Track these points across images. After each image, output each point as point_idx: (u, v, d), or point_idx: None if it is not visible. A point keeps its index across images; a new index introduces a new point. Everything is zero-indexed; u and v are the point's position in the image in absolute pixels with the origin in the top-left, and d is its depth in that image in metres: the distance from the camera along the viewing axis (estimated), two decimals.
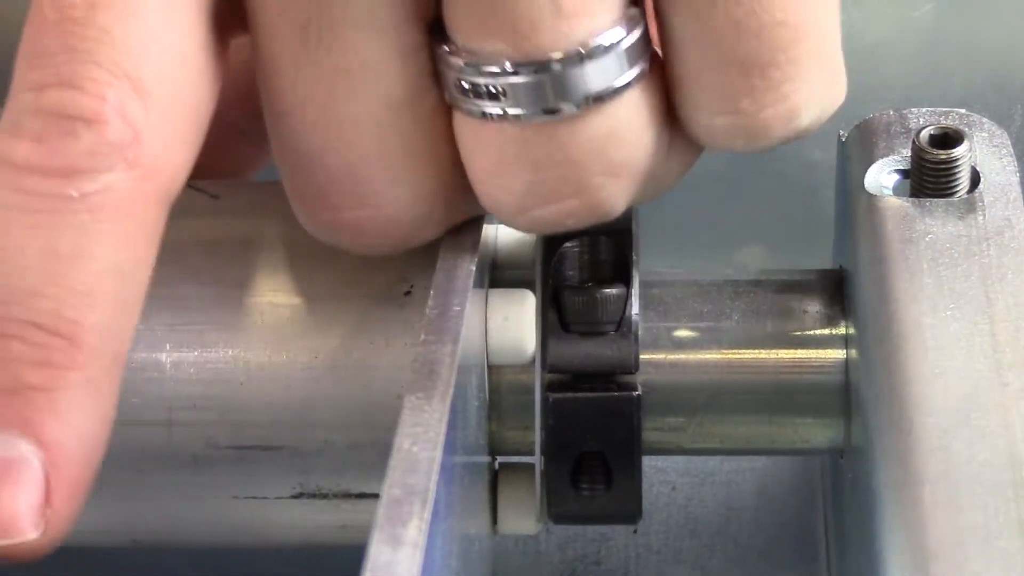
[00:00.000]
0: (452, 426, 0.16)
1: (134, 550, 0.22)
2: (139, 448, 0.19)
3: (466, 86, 0.17)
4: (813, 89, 0.18)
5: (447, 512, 0.17)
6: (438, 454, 0.15)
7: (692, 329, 0.21)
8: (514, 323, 0.20)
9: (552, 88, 0.17)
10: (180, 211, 0.18)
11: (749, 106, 0.18)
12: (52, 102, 0.17)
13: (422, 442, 0.16)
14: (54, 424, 0.17)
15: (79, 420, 0.17)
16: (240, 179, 0.23)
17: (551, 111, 0.17)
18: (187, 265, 0.19)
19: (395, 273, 0.20)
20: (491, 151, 0.18)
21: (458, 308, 0.18)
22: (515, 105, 0.17)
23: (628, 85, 0.17)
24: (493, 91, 0.17)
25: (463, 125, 0.18)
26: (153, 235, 0.17)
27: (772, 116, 0.18)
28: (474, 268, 0.19)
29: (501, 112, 0.17)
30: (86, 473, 0.17)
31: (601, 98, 0.17)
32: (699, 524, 0.24)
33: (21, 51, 0.17)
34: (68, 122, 0.17)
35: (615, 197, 0.18)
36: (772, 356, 0.21)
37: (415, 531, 0.14)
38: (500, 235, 0.21)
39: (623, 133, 0.18)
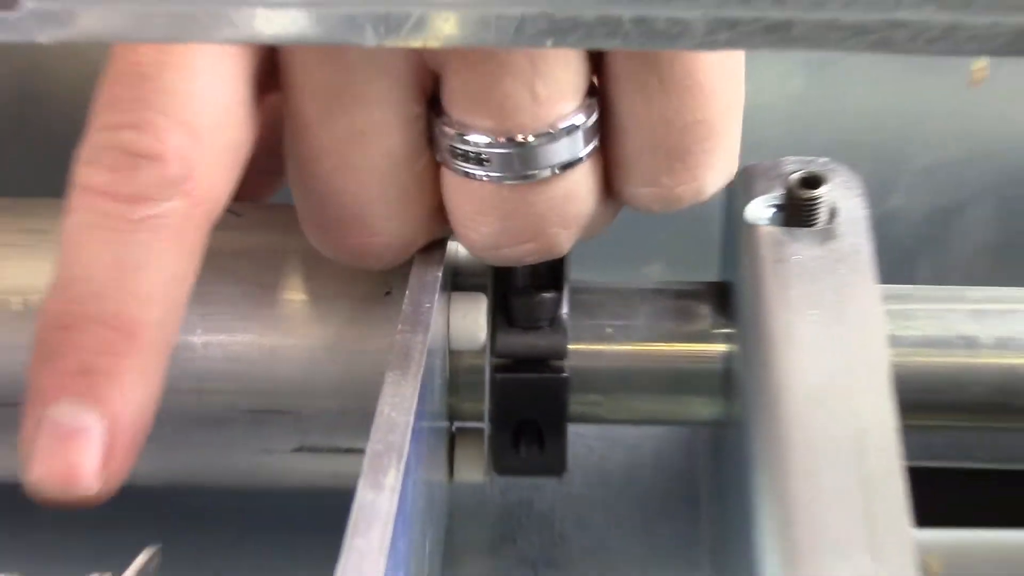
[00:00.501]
0: (422, 398, 0.20)
1: (170, 491, 0.27)
2: (176, 411, 0.23)
3: (456, 150, 0.21)
4: (717, 171, 0.23)
5: (416, 464, 0.20)
6: (411, 419, 0.19)
7: (609, 326, 0.25)
8: (471, 318, 0.24)
9: (526, 158, 0.21)
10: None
11: (668, 182, 0.22)
12: (125, 141, 0.20)
13: (399, 409, 0.19)
14: (114, 399, 0.20)
15: (134, 396, 0.20)
16: (258, 202, 0.27)
17: (524, 176, 0.21)
18: (217, 268, 0.22)
19: (379, 279, 0.24)
20: (472, 202, 0.22)
21: (428, 306, 0.22)
22: (495, 169, 0.21)
23: (582, 159, 0.21)
24: (478, 157, 0.21)
25: (451, 180, 0.22)
26: (199, 250, 0.20)
27: (684, 190, 0.22)
28: (440, 275, 0.23)
29: (484, 174, 0.21)
30: (138, 439, 0.20)
31: (563, 167, 0.21)
32: (610, 477, 0.29)
33: (99, 97, 0.21)
34: (137, 159, 0.20)
35: (565, 241, 0.22)
36: (670, 348, 0.25)
37: (393, 479, 0.18)
38: (460, 250, 0.24)
39: (576, 194, 0.22)
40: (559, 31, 0.13)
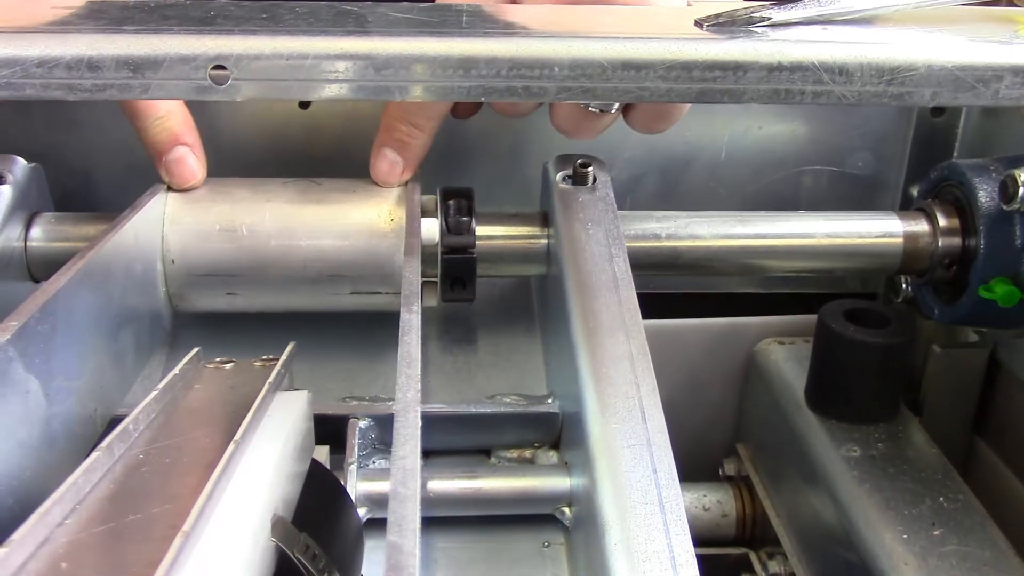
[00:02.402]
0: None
1: (290, 315, 0.52)
2: (293, 275, 0.50)
3: None
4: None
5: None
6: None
7: (488, 234, 0.53)
8: (431, 232, 0.51)
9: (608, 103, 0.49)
10: None
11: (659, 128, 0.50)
12: None
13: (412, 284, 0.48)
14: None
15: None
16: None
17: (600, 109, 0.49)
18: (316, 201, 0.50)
19: (385, 210, 0.51)
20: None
21: (416, 225, 0.49)
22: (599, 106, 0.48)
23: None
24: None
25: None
26: None
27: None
28: (419, 210, 0.50)
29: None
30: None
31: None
32: (494, 301, 0.57)
33: None
34: None
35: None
36: (519, 242, 0.54)
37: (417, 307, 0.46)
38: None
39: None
40: (487, 93, 0.39)
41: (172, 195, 0.50)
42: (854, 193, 0.63)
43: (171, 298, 0.50)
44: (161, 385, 0.34)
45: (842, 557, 0.51)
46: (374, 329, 0.55)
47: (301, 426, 0.35)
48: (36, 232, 0.51)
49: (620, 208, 0.50)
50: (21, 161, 0.51)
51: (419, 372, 0.31)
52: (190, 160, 0.51)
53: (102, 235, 0.42)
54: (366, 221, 0.50)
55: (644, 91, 0.35)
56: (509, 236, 0.53)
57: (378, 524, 0.42)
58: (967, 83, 0.36)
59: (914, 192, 0.62)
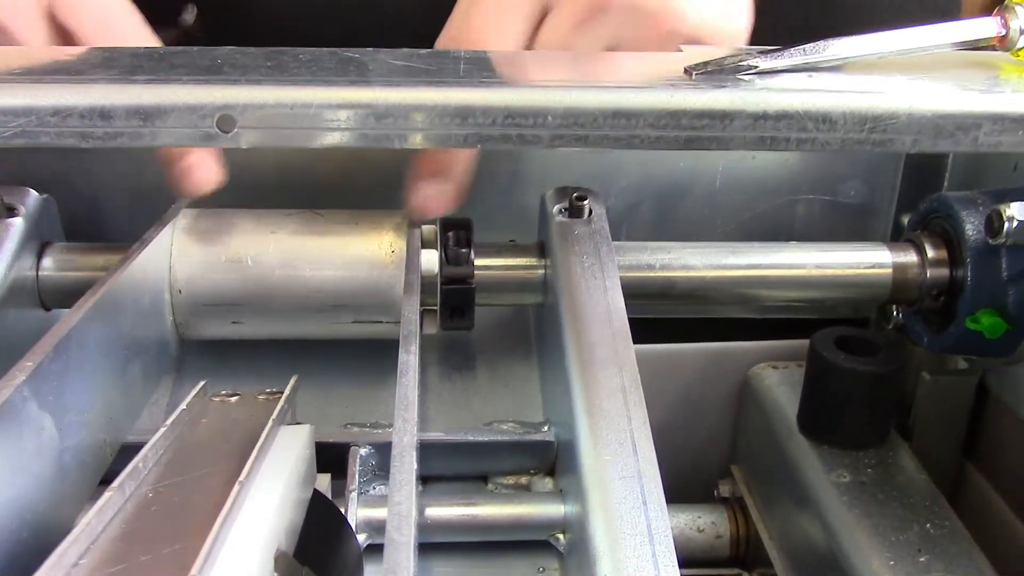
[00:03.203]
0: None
1: (292, 343, 0.54)
2: (299, 306, 0.51)
3: None
4: None
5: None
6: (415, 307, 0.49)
7: (487, 266, 0.54)
8: (431, 263, 0.53)
9: None
10: None
11: None
12: None
13: (411, 309, 0.49)
14: None
15: None
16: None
17: None
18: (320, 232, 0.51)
19: (386, 242, 0.52)
20: None
21: (416, 259, 0.50)
22: None
23: None
24: None
25: None
26: None
27: None
28: (419, 242, 0.52)
29: None
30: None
31: None
32: (491, 328, 0.59)
33: None
34: None
35: None
36: (516, 272, 0.55)
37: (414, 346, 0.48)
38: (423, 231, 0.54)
39: None
40: (483, 140, 0.41)
41: (179, 227, 0.51)
42: (846, 221, 0.64)
43: (178, 327, 0.52)
44: (169, 421, 0.35)
45: None
46: (374, 356, 0.56)
47: (304, 459, 0.36)
48: (47, 262, 0.52)
49: (616, 236, 0.52)
50: (33, 193, 0.53)
51: (416, 416, 0.32)
52: (204, 166, 0.49)
53: (113, 269, 0.43)
54: (367, 252, 0.52)
55: (634, 138, 0.37)
56: (507, 267, 0.54)
57: (378, 549, 0.44)
58: (947, 130, 0.37)
59: (905, 220, 0.64)
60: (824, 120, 0.37)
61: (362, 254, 0.52)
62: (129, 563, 0.26)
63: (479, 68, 0.39)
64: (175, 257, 0.51)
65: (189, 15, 0.57)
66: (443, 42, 0.49)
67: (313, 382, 0.49)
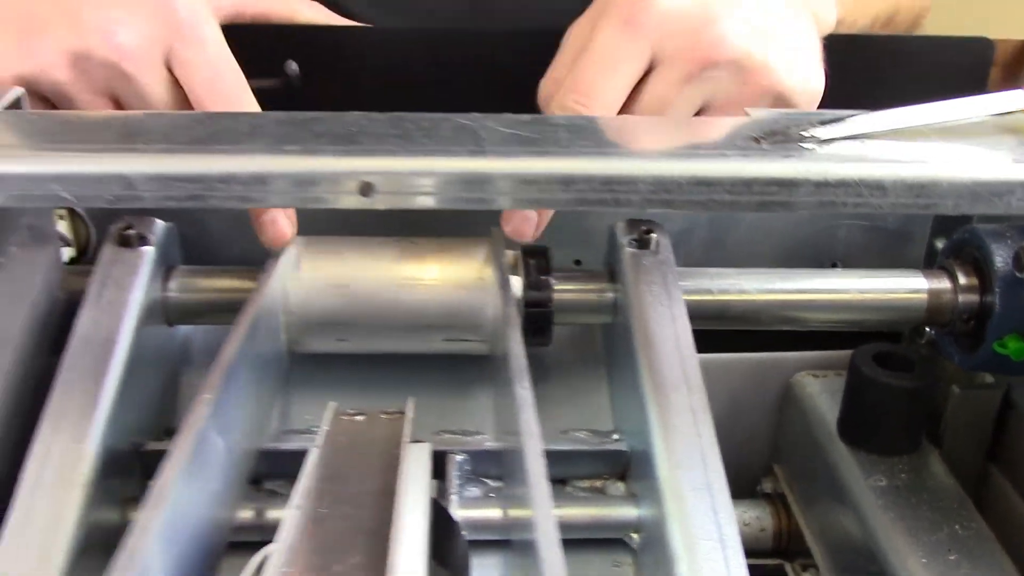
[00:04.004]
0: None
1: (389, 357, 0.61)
2: (394, 325, 0.58)
3: None
4: None
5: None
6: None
7: (562, 289, 0.60)
8: (517, 286, 0.58)
9: None
10: None
11: None
12: None
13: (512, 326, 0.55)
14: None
15: None
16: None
17: None
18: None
19: (479, 267, 0.58)
20: None
21: (506, 281, 0.56)
22: None
23: None
24: None
25: None
26: None
27: None
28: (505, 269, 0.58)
29: None
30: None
31: None
32: (566, 345, 0.65)
33: None
34: None
35: None
36: (587, 295, 0.62)
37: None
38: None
39: None
40: (582, 204, 0.46)
41: (291, 254, 0.58)
42: (884, 245, 0.70)
43: (289, 344, 0.58)
44: (319, 441, 0.42)
45: (869, 572, 0.59)
46: (458, 368, 0.62)
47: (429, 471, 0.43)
48: (172, 284, 0.59)
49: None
50: (159, 222, 0.59)
51: (541, 444, 0.38)
52: (280, 222, 0.56)
53: (252, 299, 0.50)
54: (458, 277, 0.58)
55: (712, 202, 0.43)
56: (580, 290, 0.60)
57: (476, 545, 0.50)
58: (983, 196, 0.43)
59: (938, 244, 0.69)
60: (877, 187, 0.43)
61: (454, 279, 0.58)
62: (328, 572, 0.32)
63: (577, 136, 0.45)
64: (288, 282, 0.57)
65: (291, 69, 0.63)
66: (548, 85, 0.55)
67: (403, 391, 0.56)
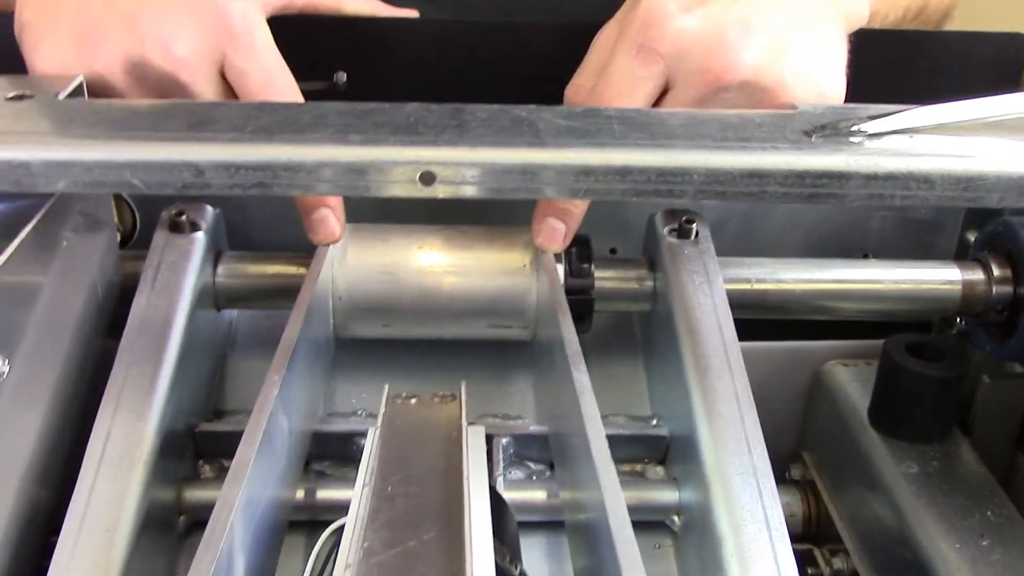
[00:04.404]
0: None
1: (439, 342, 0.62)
2: (439, 312, 0.59)
3: None
4: None
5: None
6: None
7: (604, 276, 0.62)
8: (558, 278, 0.60)
9: None
10: None
11: None
12: None
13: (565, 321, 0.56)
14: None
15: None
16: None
17: None
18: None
19: (520, 255, 0.59)
20: None
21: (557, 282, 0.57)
22: None
23: None
24: None
25: None
26: None
27: None
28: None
29: None
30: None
31: None
32: (604, 330, 0.66)
33: None
34: None
35: None
36: (628, 284, 0.63)
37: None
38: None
39: None
40: (637, 194, 0.48)
41: (340, 242, 0.59)
42: (917, 236, 0.71)
43: (336, 328, 0.60)
44: (379, 423, 0.43)
45: (901, 556, 0.60)
46: (499, 354, 0.64)
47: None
48: (222, 269, 0.60)
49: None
50: (209, 208, 0.61)
51: (603, 428, 0.40)
52: (331, 221, 0.57)
53: (306, 283, 0.51)
54: (503, 265, 0.59)
55: (764, 194, 0.44)
56: (621, 278, 0.62)
57: (523, 526, 0.52)
58: None
59: (970, 236, 0.70)
60: (925, 181, 0.44)
61: (499, 267, 0.59)
62: (403, 546, 0.34)
63: (630, 128, 0.46)
64: (336, 268, 0.58)
65: (340, 78, 0.64)
66: (574, 89, 0.56)
67: (438, 378, 0.57)
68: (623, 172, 0.44)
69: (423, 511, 0.37)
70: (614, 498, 0.33)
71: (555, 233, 0.57)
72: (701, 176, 0.44)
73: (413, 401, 0.48)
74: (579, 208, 0.57)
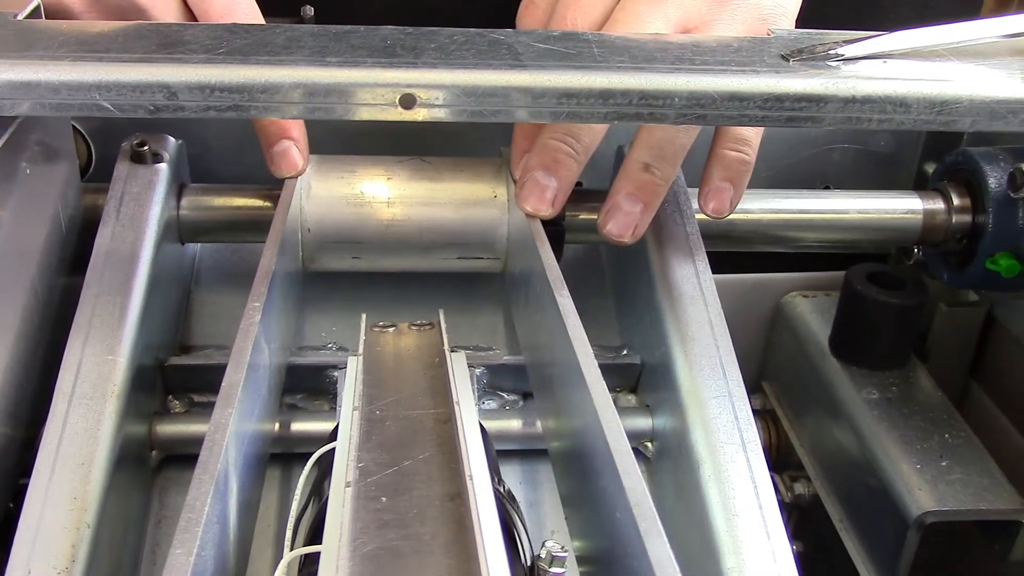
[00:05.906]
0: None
1: (407, 275, 0.61)
2: (407, 244, 0.59)
3: None
4: None
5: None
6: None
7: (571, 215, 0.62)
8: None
9: None
10: None
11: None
12: None
13: (542, 246, 0.56)
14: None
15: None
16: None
17: None
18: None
19: (491, 188, 0.59)
20: None
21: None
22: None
23: None
24: None
25: None
26: None
27: None
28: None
29: None
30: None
31: None
32: (576, 259, 0.66)
33: None
34: None
35: None
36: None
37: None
38: None
39: None
40: (619, 118, 0.48)
41: (307, 174, 0.58)
42: (876, 168, 0.72)
43: (305, 261, 0.59)
44: (360, 351, 0.43)
45: (863, 481, 0.62)
46: (469, 286, 0.64)
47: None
48: (186, 202, 0.59)
49: None
50: (172, 139, 0.59)
51: (590, 347, 0.40)
52: (293, 153, 0.56)
53: (277, 215, 0.50)
54: (473, 196, 0.59)
55: (744, 117, 0.44)
56: (592, 208, 0.61)
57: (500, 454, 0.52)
58: (1000, 113, 0.45)
59: (928, 168, 0.72)
60: (901, 104, 0.44)
61: (468, 197, 0.59)
62: (399, 467, 0.34)
63: (611, 52, 0.46)
64: (304, 200, 0.57)
65: (307, 12, 0.63)
66: (525, 12, 0.56)
67: (405, 310, 0.57)
68: (605, 95, 0.43)
69: (415, 432, 0.37)
70: (610, 420, 0.33)
71: (544, 192, 0.54)
72: (683, 99, 0.44)
73: (391, 329, 0.48)
74: (577, 157, 0.54)
